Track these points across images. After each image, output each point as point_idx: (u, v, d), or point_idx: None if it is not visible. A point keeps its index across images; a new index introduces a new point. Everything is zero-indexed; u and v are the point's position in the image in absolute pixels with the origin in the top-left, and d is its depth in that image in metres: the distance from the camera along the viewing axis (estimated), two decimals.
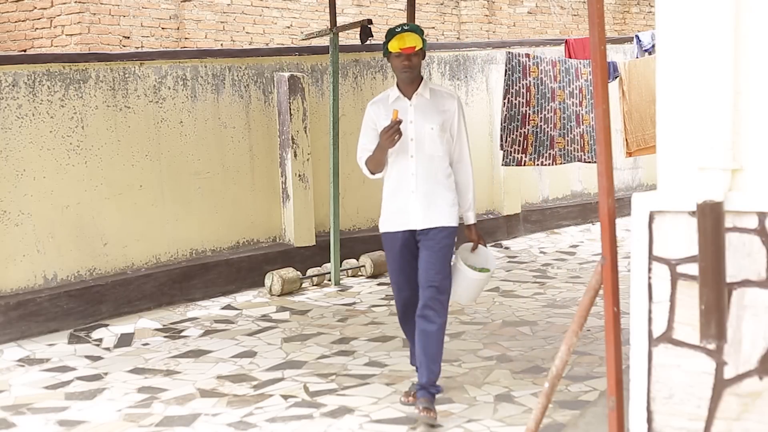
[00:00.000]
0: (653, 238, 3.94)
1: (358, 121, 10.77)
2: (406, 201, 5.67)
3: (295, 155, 10.03)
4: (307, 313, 8.64)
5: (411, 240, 5.72)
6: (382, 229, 5.81)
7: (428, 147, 5.64)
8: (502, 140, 9.10)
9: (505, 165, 9.26)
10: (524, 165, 9.35)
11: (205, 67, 9.51)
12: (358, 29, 9.52)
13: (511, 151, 9.08)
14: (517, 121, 9.10)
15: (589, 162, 9.54)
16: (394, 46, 5.57)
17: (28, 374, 6.95)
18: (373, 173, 5.72)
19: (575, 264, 10.81)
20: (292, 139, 10.00)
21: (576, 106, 9.55)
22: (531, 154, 9.21)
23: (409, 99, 5.70)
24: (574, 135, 9.56)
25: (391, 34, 5.61)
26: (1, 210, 7.96)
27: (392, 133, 5.48)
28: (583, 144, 9.70)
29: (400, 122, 5.52)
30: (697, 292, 3.85)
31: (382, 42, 5.80)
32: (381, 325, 8.03)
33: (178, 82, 9.26)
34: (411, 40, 5.57)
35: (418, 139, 5.63)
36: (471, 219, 5.92)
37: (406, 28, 5.62)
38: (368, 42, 9.61)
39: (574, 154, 9.56)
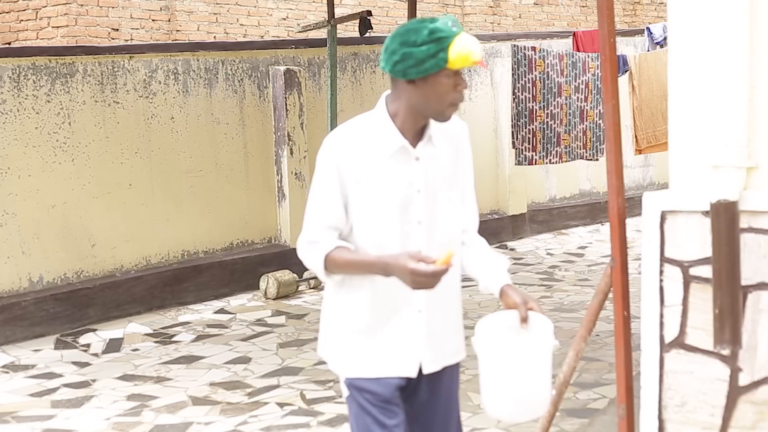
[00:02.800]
0: (665, 239, 3.89)
1: None
2: (405, 328, 3.30)
3: (291, 152, 10.01)
4: (303, 317, 8.60)
5: (402, 391, 3.38)
6: (355, 373, 3.29)
7: (444, 230, 3.34)
8: (514, 138, 9.12)
9: (518, 164, 9.37)
10: (535, 164, 9.39)
11: (198, 60, 9.49)
12: (357, 21, 9.53)
13: (522, 150, 9.14)
14: (526, 117, 9.10)
15: (592, 159, 9.60)
16: (463, 58, 3.07)
17: (12, 381, 6.93)
18: (328, 274, 3.21)
19: (584, 266, 10.78)
20: (288, 135, 9.99)
21: (581, 102, 9.56)
22: (540, 152, 9.27)
23: (414, 148, 3.27)
24: (577, 131, 9.55)
25: (436, 33, 3.06)
26: None
27: (432, 281, 3.04)
28: (586, 141, 9.72)
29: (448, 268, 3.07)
30: (710, 295, 3.79)
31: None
32: None
33: (169, 77, 9.23)
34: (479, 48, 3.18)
35: (429, 220, 3.29)
36: (508, 278, 3.45)
37: (459, 27, 3.16)
38: (368, 34, 9.56)
39: (577, 152, 9.58)
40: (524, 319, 3.23)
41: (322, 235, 3.15)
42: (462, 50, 3.04)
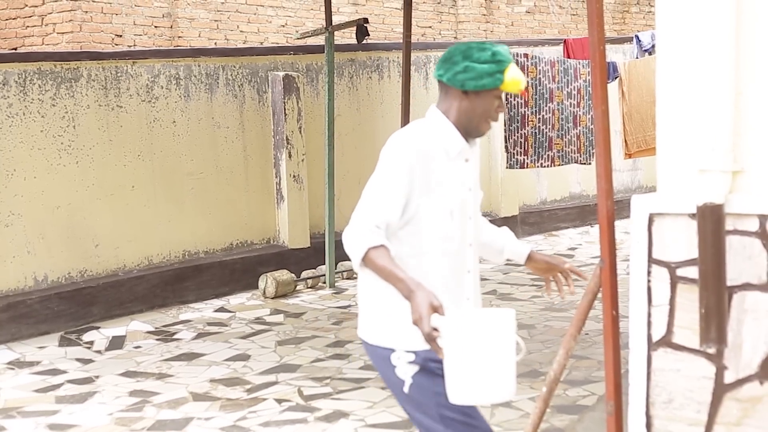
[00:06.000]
0: (653, 241, 3.91)
1: (354, 121, 10.91)
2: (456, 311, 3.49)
3: (290, 156, 9.99)
4: (301, 315, 8.60)
5: None
6: (421, 345, 3.32)
7: (479, 223, 3.71)
8: (506, 142, 9.13)
9: (510, 167, 9.31)
10: (527, 167, 9.37)
11: (199, 66, 9.48)
12: (354, 28, 9.50)
13: (514, 153, 9.11)
14: (518, 122, 9.10)
15: (585, 163, 9.59)
16: (515, 83, 3.48)
17: (18, 377, 6.92)
18: (361, 265, 3.30)
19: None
20: (287, 139, 9.96)
21: (573, 107, 9.55)
22: (532, 156, 9.23)
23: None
24: (571, 136, 9.56)
25: (497, 56, 3.44)
26: None
27: (425, 332, 3.08)
28: (579, 145, 9.70)
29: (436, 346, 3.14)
30: (697, 295, 3.81)
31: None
32: None
33: (171, 82, 9.23)
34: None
35: (475, 215, 3.62)
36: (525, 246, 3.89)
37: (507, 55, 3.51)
38: (365, 41, 9.56)
39: (571, 156, 9.55)
40: (566, 272, 3.71)
41: (374, 229, 3.28)
42: (516, 76, 3.45)
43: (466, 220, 3.53)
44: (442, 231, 3.43)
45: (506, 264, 10.65)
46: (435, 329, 3.06)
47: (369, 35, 9.60)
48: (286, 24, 12.89)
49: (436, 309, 3.09)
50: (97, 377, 6.83)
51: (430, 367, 3.38)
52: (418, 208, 3.38)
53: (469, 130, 3.49)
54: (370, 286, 3.47)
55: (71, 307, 8.21)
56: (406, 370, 3.40)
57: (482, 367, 3.07)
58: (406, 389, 3.40)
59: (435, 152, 3.42)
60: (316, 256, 10.04)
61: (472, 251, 3.57)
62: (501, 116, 3.61)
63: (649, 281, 3.92)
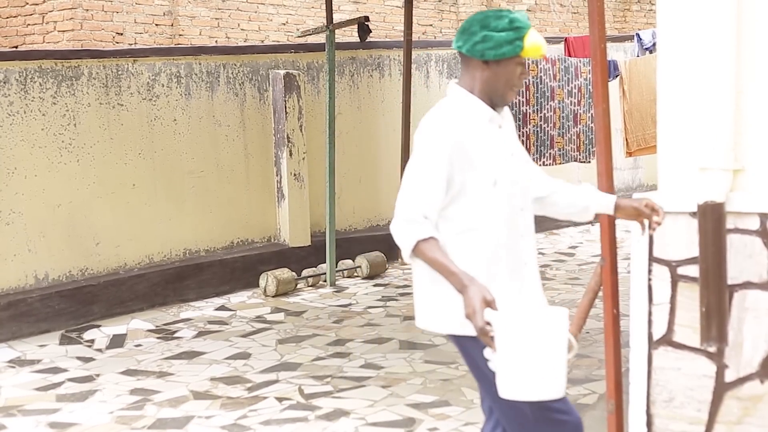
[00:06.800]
0: (653, 240, 3.97)
1: (355, 120, 10.91)
2: (522, 281, 3.55)
3: (291, 154, 9.98)
4: (302, 314, 8.59)
5: None
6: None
7: (526, 188, 3.62)
8: None
9: None
10: None
11: (200, 64, 9.47)
12: (355, 26, 9.50)
13: None
14: (519, 121, 9.11)
15: (585, 162, 9.58)
16: (536, 48, 3.42)
17: (18, 375, 6.91)
18: (411, 256, 3.32)
19: (574, 265, 10.74)
20: (288, 137, 9.95)
21: (574, 105, 9.55)
22: (534, 155, 9.24)
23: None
24: (571, 135, 9.56)
25: (515, 23, 3.40)
26: None
27: (478, 326, 3.14)
28: (579, 144, 9.71)
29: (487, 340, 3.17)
30: (697, 294, 3.85)
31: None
32: (377, 327, 7.98)
33: (172, 80, 9.22)
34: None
35: (522, 181, 3.59)
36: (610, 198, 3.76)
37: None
38: (368, 39, 9.55)
39: (571, 154, 9.56)
40: (653, 208, 3.56)
41: (421, 220, 3.27)
42: (536, 42, 3.40)
43: (512, 186, 3.48)
44: (489, 201, 3.40)
45: None
46: (488, 323, 3.07)
47: (371, 32, 9.57)
48: (287, 22, 12.89)
49: (489, 303, 3.11)
50: (97, 375, 6.82)
51: None
52: (463, 184, 3.36)
53: (494, 99, 3.47)
54: (433, 279, 3.40)
55: (72, 306, 8.20)
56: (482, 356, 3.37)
57: (533, 364, 3.07)
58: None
59: (467, 127, 3.40)
60: (316, 255, 10.03)
61: (524, 216, 3.53)
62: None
63: (649, 280, 3.96)
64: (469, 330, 3.28)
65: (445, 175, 3.32)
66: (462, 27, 3.46)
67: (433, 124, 3.40)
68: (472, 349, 3.39)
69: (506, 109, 3.58)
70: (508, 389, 3.11)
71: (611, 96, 4.34)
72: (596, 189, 3.76)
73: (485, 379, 3.39)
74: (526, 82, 9.27)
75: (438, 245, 3.24)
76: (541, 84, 9.33)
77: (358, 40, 9.80)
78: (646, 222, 3.64)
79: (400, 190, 3.36)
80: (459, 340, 3.44)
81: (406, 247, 3.26)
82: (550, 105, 9.36)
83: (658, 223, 3.56)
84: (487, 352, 3.29)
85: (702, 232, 3.80)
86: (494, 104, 3.47)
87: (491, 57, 3.38)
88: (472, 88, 3.46)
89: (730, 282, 3.80)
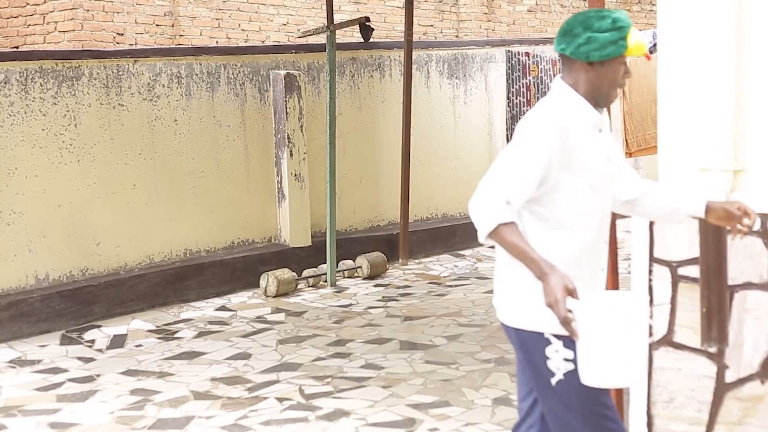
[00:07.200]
0: (654, 240, 3.99)
1: (355, 120, 10.91)
2: (595, 287, 3.51)
3: (291, 154, 9.97)
4: (302, 314, 8.59)
5: None
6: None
7: (611, 193, 3.63)
8: (508, 141, 9.14)
9: None
10: None
11: (200, 64, 9.47)
12: (356, 27, 9.50)
13: None
14: (519, 121, 9.12)
15: None
16: (639, 47, 3.40)
17: (19, 376, 6.91)
18: (487, 238, 3.28)
19: None
20: (288, 138, 9.95)
21: None
22: None
23: None
24: None
25: (618, 22, 3.38)
26: None
27: (561, 316, 3.11)
28: None
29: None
30: (698, 294, 3.87)
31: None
32: (377, 327, 7.97)
33: (173, 80, 9.22)
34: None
35: (612, 187, 3.63)
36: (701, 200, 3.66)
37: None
38: (372, 39, 9.54)
39: None
40: (746, 212, 3.48)
41: (505, 204, 3.23)
42: (638, 40, 3.37)
43: (604, 191, 3.48)
44: (583, 205, 3.39)
45: None
46: (570, 312, 3.06)
47: (374, 29, 9.57)
48: (287, 22, 12.90)
49: (570, 292, 3.08)
50: (98, 376, 6.82)
51: None
52: (559, 183, 3.35)
53: (598, 100, 3.45)
54: (517, 267, 3.38)
55: (72, 306, 8.19)
56: (559, 366, 3.37)
57: (617, 351, 3.06)
58: (553, 382, 3.37)
59: (572, 127, 3.38)
60: (317, 255, 10.04)
61: (608, 222, 3.53)
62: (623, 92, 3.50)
63: (650, 280, 3.97)
64: (532, 325, 3.33)
65: (542, 170, 3.30)
66: (563, 29, 3.45)
67: (542, 117, 3.38)
68: (533, 345, 3.40)
69: (605, 111, 3.57)
70: (592, 376, 3.11)
71: None
72: (686, 194, 3.68)
73: (540, 377, 3.40)
74: (527, 83, 9.30)
75: (519, 231, 3.21)
76: (541, 84, 9.35)
77: (359, 41, 9.81)
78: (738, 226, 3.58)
79: (490, 171, 3.33)
80: (519, 335, 3.44)
81: (486, 227, 3.22)
82: None
83: (750, 227, 3.52)
84: (550, 350, 3.32)
85: (702, 232, 3.81)
86: (598, 104, 3.46)
87: (596, 58, 3.37)
88: (576, 89, 3.45)
89: (730, 282, 3.81)
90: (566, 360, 3.32)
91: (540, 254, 3.17)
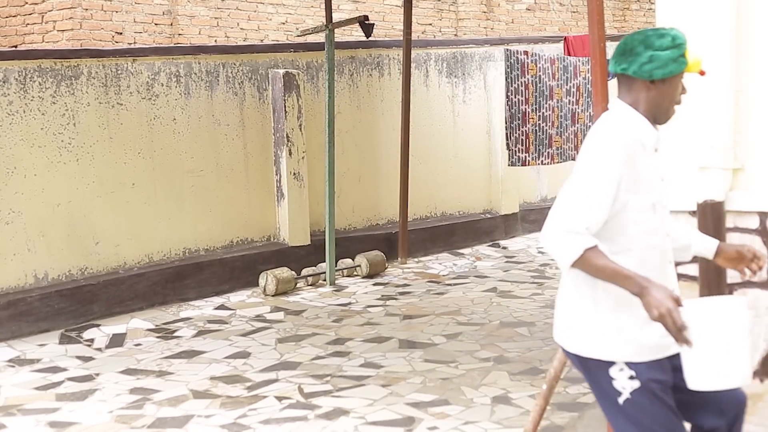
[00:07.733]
0: None
1: (354, 119, 10.91)
2: None
3: (290, 153, 9.97)
4: (301, 313, 8.59)
5: None
6: (642, 356, 3.37)
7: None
8: (507, 139, 9.17)
9: (512, 165, 9.34)
10: (528, 164, 9.40)
11: (199, 63, 9.46)
12: (354, 25, 9.50)
13: (515, 151, 9.14)
14: (519, 120, 9.13)
15: None
16: (697, 63, 3.44)
17: (18, 375, 6.91)
18: (572, 266, 3.25)
19: None
20: (287, 136, 9.95)
21: (572, 104, 9.58)
22: (533, 153, 9.26)
23: None
24: (569, 134, 9.58)
25: (677, 39, 3.39)
26: None
27: (674, 327, 3.09)
28: (577, 143, 9.73)
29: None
30: (697, 293, 3.90)
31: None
32: (376, 326, 7.98)
33: (172, 79, 9.21)
34: None
35: (669, 206, 3.61)
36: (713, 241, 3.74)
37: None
38: (373, 36, 9.54)
39: (568, 153, 9.58)
40: (755, 255, 3.54)
41: (585, 230, 3.22)
42: (696, 56, 3.40)
43: (663, 210, 3.47)
44: (647, 225, 3.38)
45: (506, 262, 10.66)
46: (683, 324, 3.06)
47: (374, 25, 9.57)
48: (286, 21, 12.90)
49: (676, 301, 3.09)
50: (97, 375, 6.82)
51: (651, 388, 3.33)
52: (625, 204, 3.34)
53: (658, 117, 3.44)
54: (580, 295, 3.40)
55: (71, 305, 8.19)
56: (625, 385, 3.36)
57: (734, 352, 3.11)
58: (620, 401, 3.36)
59: (636, 146, 3.36)
60: (316, 254, 10.04)
61: (669, 241, 3.51)
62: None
63: None
64: (597, 353, 3.35)
65: (615, 188, 3.28)
66: (620, 48, 3.43)
67: (608, 138, 3.35)
68: (598, 371, 3.40)
69: (661, 130, 3.55)
70: (706, 380, 3.14)
71: (610, 95, 4.34)
72: (698, 233, 3.73)
73: (608, 400, 3.40)
74: (525, 82, 9.30)
75: (604, 253, 3.20)
76: (539, 83, 9.35)
77: (358, 40, 9.81)
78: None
79: (561, 198, 3.33)
80: (584, 363, 3.43)
81: (571, 256, 3.20)
82: (549, 104, 9.38)
83: (758, 270, 3.56)
84: (614, 370, 3.33)
85: (702, 230, 3.80)
86: (657, 122, 3.45)
87: (659, 77, 3.36)
88: (636, 108, 3.43)
89: (729, 281, 3.84)
90: (631, 378, 3.33)
91: (631, 271, 3.16)
